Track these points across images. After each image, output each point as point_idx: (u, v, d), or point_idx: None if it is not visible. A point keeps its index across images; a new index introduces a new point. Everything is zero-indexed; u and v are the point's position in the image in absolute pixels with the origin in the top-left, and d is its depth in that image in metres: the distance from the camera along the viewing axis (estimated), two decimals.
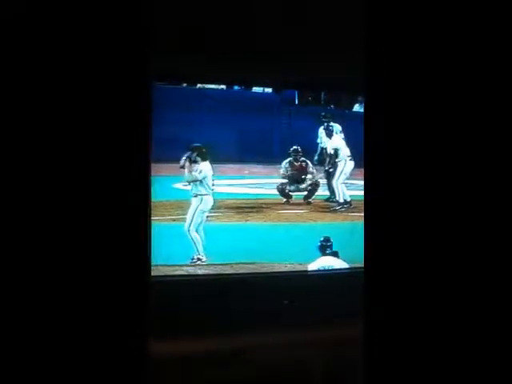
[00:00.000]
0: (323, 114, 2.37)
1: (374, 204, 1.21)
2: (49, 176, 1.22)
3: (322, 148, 2.42)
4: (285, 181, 2.39)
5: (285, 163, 2.37)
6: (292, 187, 2.41)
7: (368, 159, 1.23)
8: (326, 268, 2.25)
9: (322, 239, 2.25)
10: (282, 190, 2.39)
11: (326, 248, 2.25)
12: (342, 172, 2.43)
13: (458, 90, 1.15)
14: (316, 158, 2.43)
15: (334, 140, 2.42)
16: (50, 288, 1.21)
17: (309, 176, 2.44)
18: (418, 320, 1.15)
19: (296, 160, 2.39)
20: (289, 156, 2.36)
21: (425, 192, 1.17)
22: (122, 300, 1.24)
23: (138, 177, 1.30)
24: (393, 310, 1.17)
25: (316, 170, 2.45)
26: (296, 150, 2.36)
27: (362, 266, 1.28)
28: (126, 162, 1.28)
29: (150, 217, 2.07)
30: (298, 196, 2.41)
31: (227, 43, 1.95)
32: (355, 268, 2.16)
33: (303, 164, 2.42)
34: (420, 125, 1.17)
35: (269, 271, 2.22)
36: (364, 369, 1.18)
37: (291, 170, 2.40)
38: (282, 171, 2.37)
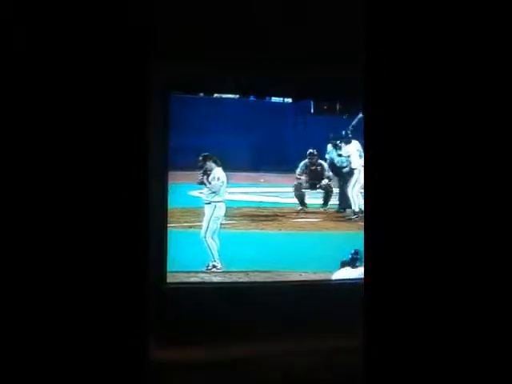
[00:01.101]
0: (332, 135, 2.39)
1: (374, 213, 1.22)
2: (61, 188, 1.24)
3: (333, 158, 2.43)
4: (301, 181, 2.39)
5: (301, 165, 2.39)
6: (307, 188, 2.41)
7: (368, 169, 1.24)
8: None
9: (352, 252, 2.32)
10: (298, 189, 2.39)
11: (356, 260, 2.32)
12: (356, 181, 2.43)
13: (458, 95, 1.14)
14: (326, 166, 2.43)
15: (346, 150, 2.43)
16: (55, 297, 1.22)
17: (325, 180, 2.44)
18: (418, 327, 1.15)
19: (312, 164, 2.40)
20: (305, 158, 2.38)
21: (424, 200, 1.16)
22: (124, 303, 1.25)
23: (155, 184, 1.32)
24: (393, 319, 1.16)
25: (332, 173, 2.45)
26: (312, 154, 2.37)
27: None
28: (142, 170, 1.30)
29: (167, 223, 2.12)
30: (312, 205, 2.41)
31: (243, 53, 1.99)
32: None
33: (319, 168, 2.43)
34: (421, 131, 1.16)
35: (284, 280, 2.23)
36: (365, 376, 1.17)
37: (307, 172, 2.40)
38: (298, 172, 2.38)
